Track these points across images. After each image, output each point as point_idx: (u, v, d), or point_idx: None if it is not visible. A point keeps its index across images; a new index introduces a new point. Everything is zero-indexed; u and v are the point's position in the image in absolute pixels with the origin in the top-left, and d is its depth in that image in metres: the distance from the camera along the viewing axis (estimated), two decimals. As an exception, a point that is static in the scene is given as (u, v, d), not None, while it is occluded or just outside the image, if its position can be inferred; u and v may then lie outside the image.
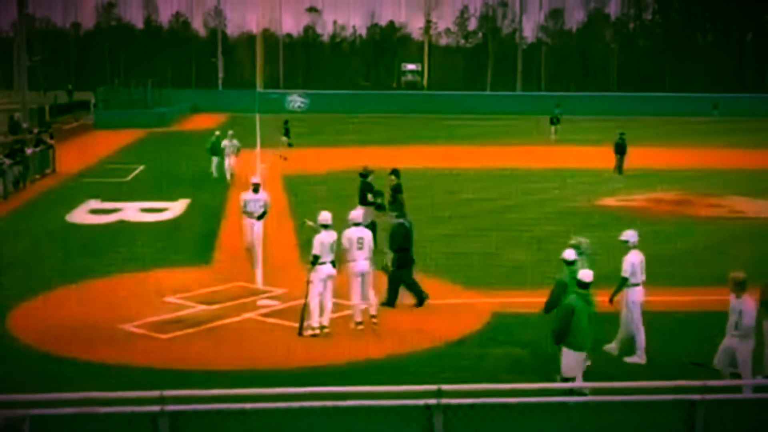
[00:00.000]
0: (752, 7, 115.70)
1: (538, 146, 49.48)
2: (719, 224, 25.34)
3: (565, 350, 11.50)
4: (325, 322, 14.73)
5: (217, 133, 35.29)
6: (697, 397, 8.43)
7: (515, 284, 17.81)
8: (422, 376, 12.19)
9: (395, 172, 21.45)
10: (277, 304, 16.35)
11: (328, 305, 14.85)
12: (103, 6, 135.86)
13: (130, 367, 13.01)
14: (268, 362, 13.31)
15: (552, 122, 54.27)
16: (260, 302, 16.52)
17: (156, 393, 8.29)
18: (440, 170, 36.49)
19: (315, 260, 14.68)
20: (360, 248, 15.07)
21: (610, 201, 29.88)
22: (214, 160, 34.08)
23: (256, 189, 19.17)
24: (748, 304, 11.61)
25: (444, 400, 8.83)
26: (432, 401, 8.41)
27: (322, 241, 14.78)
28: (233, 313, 15.83)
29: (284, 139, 45.23)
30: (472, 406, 8.22)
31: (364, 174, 21.45)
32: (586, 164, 39.74)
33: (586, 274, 11.54)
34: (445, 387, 9.07)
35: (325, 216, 15.11)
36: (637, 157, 37.86)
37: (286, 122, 47.24)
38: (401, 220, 16.73)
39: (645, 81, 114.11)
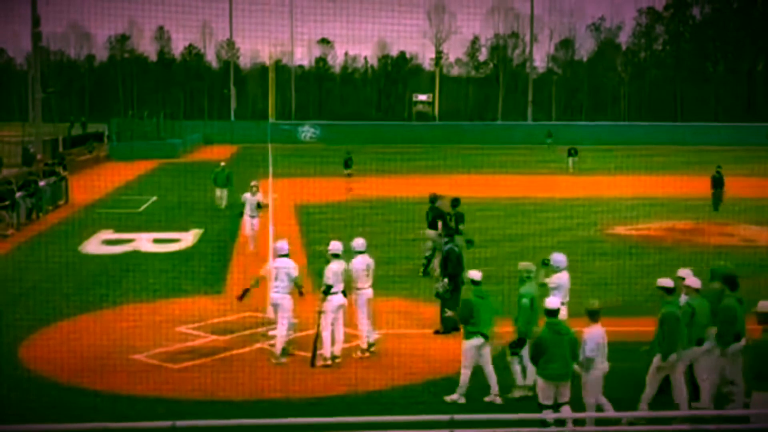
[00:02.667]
0: (763, 37, 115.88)
1: (556, 176, 49.44)
2: (730, 253, 25.21)
3: (538, 380, 11.53)
4: (337, 352, 14.73)
5: (222, 164, 35.66)
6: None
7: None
8: (435, 406, 12.16)
9: (455, 201, 21.64)
10: (288, 335, 16.33)
11: (340, 335, 14.87)
12: (116, 38, 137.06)
13: (142, 397, 13.03)
14: (280, 393, 13.30)
15: (570, 154, 54.12)
16: (272, 332, 16.51)
17: (168, 423, 8.32)
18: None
19: (327, 290, 14.71)
20: (367, 275, 15.13)
21: (621, 230, 29.83)
22: (217, 191, 34.28)
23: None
24: (590, 334, 11.45)
25: (457, 431, 8.84)
26: (445, 432, 8.42)
27: (334, 270, 14.80)
28: (245, 344, 15.85)
29: (346, 171, 45.22)
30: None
31: (433, 199, 21.99)
32: (602, 193, 39.66)
33: (551, 302, 11.63)
34: (457, 417, 9.07)
35: (335, 245, 15.15)
36: (656, 185, 37.80)
37: (348, 152, 46.85)
38: (452, 245, 16.76)
39: (656, 110, 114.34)
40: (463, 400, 12.80)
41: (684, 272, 13.06)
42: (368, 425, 9.60)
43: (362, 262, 15.22)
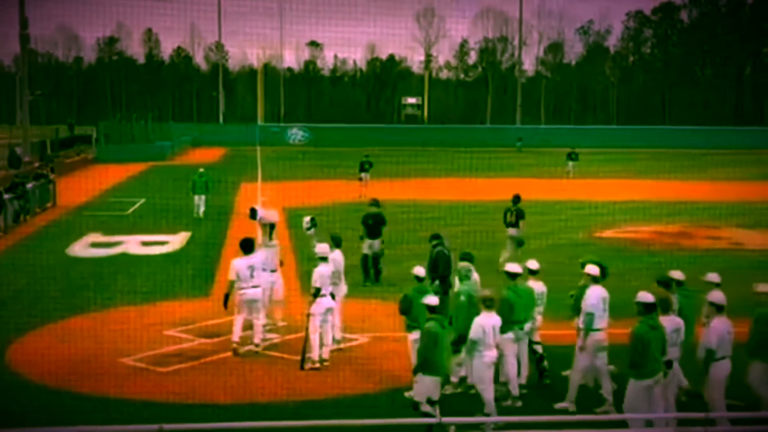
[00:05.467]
0: (750, 41, 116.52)
1: (554, 180, 49.41)
2: (718, 256, 25.31)
3: (420, 376, 11.53)
4: (325, 356, 14.71)
5: (201, 170, 34.76)
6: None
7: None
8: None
9: (516, 198, 23.49)
10: (276, 337, 16.32)
11: (328, 339, 14.86)
12: (104, 41, 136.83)
13: (129, 401, 12.98)
14: (269, 396, 13.27)
15: (569, 158, 53.38)
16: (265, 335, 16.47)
17: (155, 426, 8.29)
18: (455, 203, 36.39)
19: (317, 293, 14.69)
20: (332, 283, 15.10)
21: (610, 233, 29.92)
22: (195, 198, 33.45)
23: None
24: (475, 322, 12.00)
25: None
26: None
27: (322, 273, 14.79)
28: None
29: (362, 174, 42.06)
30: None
31: (374, 203, 22.31)
32: (595, 196, 39.75)
33: (431, 299, 11.80)
34: (445, 419, 9.07)
35: (322, 248, 15.14)
36: (641, 189, 37.90)
37: (366, 156, 43.20)
38: (441, 248, 16.76)
39: (644, 114, 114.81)
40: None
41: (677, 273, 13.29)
42: (357, 428, 9.59)
43: (327, 269, 15.02)
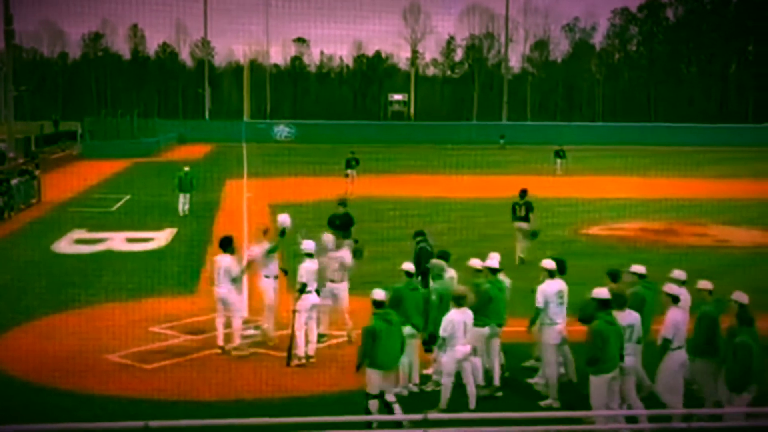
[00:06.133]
0: (735, 39, 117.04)
1: (542, 177, 49.30)
2: (704, 253, 25.42)
3: (368, 369, 11.59)
4: (311, 352, 14.69)
5: (186, 168, 34.29)
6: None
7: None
8: (409, 405, 12.14)
9: (523, 192, 24.09)
10: (258, 334, 16.24)
11: (313, 336, 14.84)
12: (90, 36, 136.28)
13: (115, 398, 12.93)
14: (254, 393, 13.24)
15: (557, 155, 53.25)
16: (245, 332, 16.42)
17: (140, 423, 8.26)
18: (441, 200, 36.43)
19: (302, 288, 14.66)
20: (315, 279, 15.05)
21: (596, 230, 30.00)
22: (181, 197, 33.14)
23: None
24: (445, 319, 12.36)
25: (431, 430, 8.83)
26: (419, 431, 8.40)
27: (307, 269, 14.76)
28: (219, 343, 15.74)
29: (348, 171, 41.63)
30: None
31: (341, 209, 21.22)
32: (582, 194, 39.84)
33: (377, 293, 11.86)
34: (431, 415, 9.06)
35: (308, 244, 15.10)
36: (627, 186, 38.00)
37: (352, 153, 42.49)
38: (424, 244, 16.75)
39: (630, 111, 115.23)
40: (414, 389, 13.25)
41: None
42: (342, 425, 9.58)
43: (312, 266, 14.90)
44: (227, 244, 15.71)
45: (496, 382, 13.34)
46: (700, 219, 32.46)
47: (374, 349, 11.45)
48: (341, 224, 20.55)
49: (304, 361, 14.53)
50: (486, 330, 13.25)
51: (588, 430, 11.06)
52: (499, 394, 13.15)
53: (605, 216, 32.74)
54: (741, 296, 11.77)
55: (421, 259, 16.26)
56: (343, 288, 15.74)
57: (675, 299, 11.96)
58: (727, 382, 11.22)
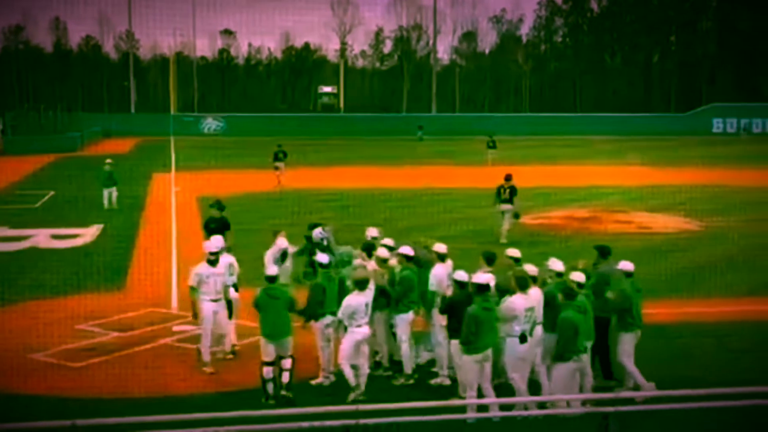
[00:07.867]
0: (657, 30, 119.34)
1: (474, 167, 49.69)
2: (627, 240, 25.98)
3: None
4: (227, 348, 14.56)
5: (109, 161, 34.16)
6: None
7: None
8: (342, 398, 12.22)
9: (508, 176, 25.80)
10: (192, 329, 16.12)
11: (224, 328, 14.45)
12: (10, 29, 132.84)
13: (41, 397, 12.75)
14: (183, 388, 13.17)
15: (489, 146, 53.21)
16: (175, 328, 16.32)
17: (68, 423, 8.18)
18: (372, 190, 36.48)
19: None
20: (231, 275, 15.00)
21: (526, 219, 30.39)
22: (105, 192, 32.91)
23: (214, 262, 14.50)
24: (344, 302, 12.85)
25: (362, 421, 8.91)
26: (351, 422, 8.48)
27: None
28: (148, 340, 15.61)
29: (277, 164, 40.75)
30: (389, 426, 8.32)
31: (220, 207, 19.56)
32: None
33: (271, 269, 13.20)
34: (362, 407, 9.15)
35: (215, 241, 14.92)
36: (553, 175, 38.54)
37: (279, 146, 41.36)
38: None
39: (557, 102, 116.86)
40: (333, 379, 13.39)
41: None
42: (276, 418, 9.61)
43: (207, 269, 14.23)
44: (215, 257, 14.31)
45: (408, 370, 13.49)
46: (623, 206, 33.13)
47: (261, 320, 12.65)
48: (216, 228, 18.37)
49: (230, 356, 14.52)
50: (410, 315, 13.49)
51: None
52: (411, 381, 13.36)
53: (531, 205, 33.14)
54: (627, 265, 12.89)
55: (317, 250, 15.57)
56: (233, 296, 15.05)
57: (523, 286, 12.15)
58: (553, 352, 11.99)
